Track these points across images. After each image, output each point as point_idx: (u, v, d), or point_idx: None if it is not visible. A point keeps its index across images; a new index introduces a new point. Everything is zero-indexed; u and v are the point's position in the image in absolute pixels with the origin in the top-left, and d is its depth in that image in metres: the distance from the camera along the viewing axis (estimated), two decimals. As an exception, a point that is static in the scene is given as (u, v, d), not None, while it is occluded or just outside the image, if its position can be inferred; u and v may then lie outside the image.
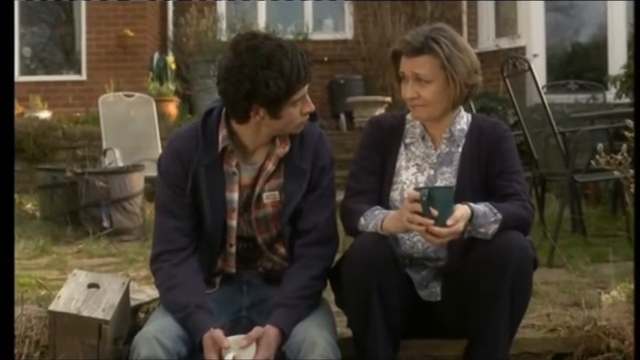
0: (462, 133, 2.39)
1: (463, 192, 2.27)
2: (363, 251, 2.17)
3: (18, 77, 9.14)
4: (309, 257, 2.31)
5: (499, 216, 2.18)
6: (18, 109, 8.36)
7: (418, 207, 2.11)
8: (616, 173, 2.52)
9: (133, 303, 2.68)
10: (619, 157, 2.45)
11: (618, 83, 7.50)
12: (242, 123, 2.28)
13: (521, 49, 8.97)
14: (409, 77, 2.32)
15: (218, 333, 2.16)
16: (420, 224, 2.10)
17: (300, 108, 2.27)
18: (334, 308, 2.41)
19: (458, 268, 2.27)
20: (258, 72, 2.17)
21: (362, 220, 2.26)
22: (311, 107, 2.30)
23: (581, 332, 2.53)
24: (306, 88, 2.26)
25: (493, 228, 2.18)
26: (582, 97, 7.12)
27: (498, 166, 2.33)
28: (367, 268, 2.15)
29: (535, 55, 8.75)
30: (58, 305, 2.42)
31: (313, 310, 2.28)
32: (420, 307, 2.35)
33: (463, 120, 2.41)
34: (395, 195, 2.36)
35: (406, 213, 2.13)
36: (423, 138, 2.40)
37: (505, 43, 9.25)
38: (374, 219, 2.24)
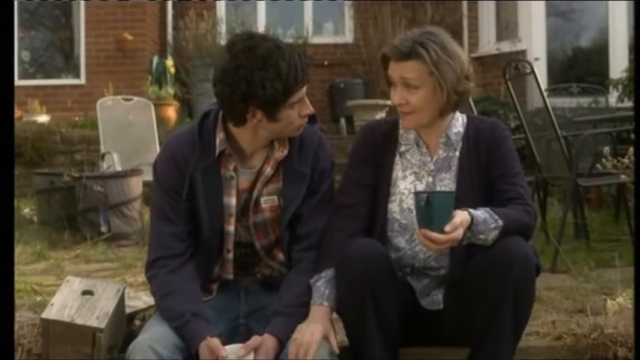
0: (458, 137, 2.34)
1: (464, 197, 2.22)
2: (358, 260, 2.12)
3: (17, 81, 9.07)
4: (308, 262, 2.26)
5: (500, 222, 2.13)
6: (16, 113, 8.31)
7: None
8: (623, 177, 2.47)
9: (128, 310, 2.63)
10: (625, 160, 2.40)
11: (620, 87, 7.46)
12: (239, 126, 2.23)
13: (522, 53, 8.93)
14: (397, 82, 2.26)
15: (215, 342, 2.11)
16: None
17: (299, 110, 2.22)
18: (333, 315, 2.35)
19: (460, 276, 2.22)
20: (255, 73, 2.12)
21: (315, 276, 2.20)
22: (310, 109, 2.25)
23: (587, 340, 2.49)
24: (304, 89, 2.21)
25: (493, 234, 2.13)
26: (584, 101, 7.10)
27: (498, 169, 2.28)
28: (362, 278, 2.11)
29: (536, 59, 8.70)
30: (51, 313, 2.37)
31: (312, 317, 2.23)
32: (421, 315, 2.30)
33: (459, 122, 2.35)
34: (393, 207, 2.30)
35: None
36: (418, 144, 2.35)
37: (506, 47, 9.21)
38: (317, 292, 2.18)
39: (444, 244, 2.07)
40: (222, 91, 2.18)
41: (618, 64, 8.47)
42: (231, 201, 2.29)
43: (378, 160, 2.34)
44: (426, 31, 2.27)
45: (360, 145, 2.37)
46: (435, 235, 2.04)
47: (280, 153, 2.28)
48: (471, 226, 2.10)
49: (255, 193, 2.29)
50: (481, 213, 2.13)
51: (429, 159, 2.34)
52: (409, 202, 2.27)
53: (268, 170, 2.28)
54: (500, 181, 2.27)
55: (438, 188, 2.30)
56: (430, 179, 2.33)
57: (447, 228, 2.04)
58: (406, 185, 2.32)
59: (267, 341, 2.12)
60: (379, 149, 2.35)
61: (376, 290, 2.11)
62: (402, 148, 2.36)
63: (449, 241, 2.06)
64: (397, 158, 2.35)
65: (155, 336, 2.12)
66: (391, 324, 2.15)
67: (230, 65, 2.14)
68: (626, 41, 8.89)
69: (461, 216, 2.07)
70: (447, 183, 2.31)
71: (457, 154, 2.33)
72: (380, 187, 2.32)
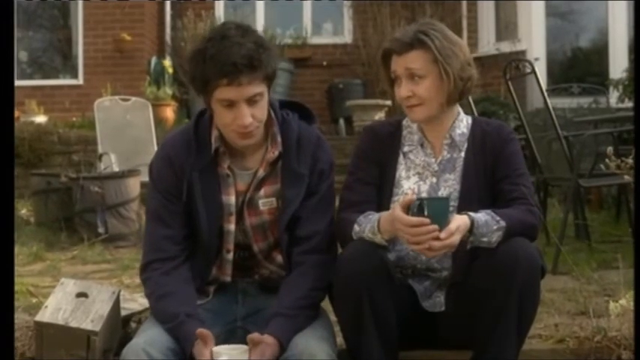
0: (463, 138, 2.31)
1: (469, 199, 2.19)
2: (352, 261, 2.09)
3: (14, 81, 9.06)
4: (309, 265, 2.22)
5: (502, 223, 2.09)
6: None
7: (404, 216, 2.01)
8: (626, 177, 2.43)
9: (124, 312, 2.60)
10: (630, 160, 2.36)
11: (621, 87, 7.44)
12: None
13: (522, 53, 8.90)
14: (402, 76, 2.24)
15: (204, 331, 2.06)
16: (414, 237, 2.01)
17: (234, 115, 2.12)
18: (333, 317, 2.32)
19: (463, 278, 2.18)
20: (196, 53, 2.11)
21: (356, 227, 2.16)
22: (244, 122, 2.11)
23: (590, 343, 2.45)
24: (243, 94, 2.09)
25: (496, 236, 2.09)
26: (584, 101, 7.07)
27: (504, 170, 2.25)
28: (357, 279, 2.06)
29: (536, 59, 8.67)
30: (44, 316, 2.33)
31: (313, 320, 2.19)
32: (422, 317, 2.27)
33: (463, 124, 2.32)
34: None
35: (397, 223, 2.03)
36: (422, 145, 2.32)
37: (506, 47, 9.18)
38: (369, 223, 2.14)
39: (440, 251, 2.04)
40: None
41: (618, 65, 8.45)
42: (230, 200, 2.25)
43: (383, 160, 2.31)
44: (425, 22, 2.28)
45: (364, 145, 2.34)
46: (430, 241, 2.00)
47: (271, 154, 2.23)
48: (472, 229, 2.06)
49: (248, 194, 2.25)
50: (482, 215, 2.09)
51: (433, 160, 2.31)
52: None
53: (260, 172, 2.24)
54: (505, 181, 2.24)
55: (442, 189, 2.27)
56: (434, 180, 2.29)
57: (442, 235, 2.00)
58: (410, 185, 2.29)
59: (267, 340, 2.07)
60: (383, 149, 2.32)
61: (372, 289, 2.07)
62: (406, 149, 2.33)
63: (444, 248, 2.02)
64: (401, 158, 2.32)
65: (149, 339, 2.08)
66: (389, 325, 2.11)
67: None
68: (626, 42, 8.87)
69: (457, 221, 2.03)
70: (451, 184, 2.28)
71: (462, 154, 2.29)
72: (383, 186, 2.29)
